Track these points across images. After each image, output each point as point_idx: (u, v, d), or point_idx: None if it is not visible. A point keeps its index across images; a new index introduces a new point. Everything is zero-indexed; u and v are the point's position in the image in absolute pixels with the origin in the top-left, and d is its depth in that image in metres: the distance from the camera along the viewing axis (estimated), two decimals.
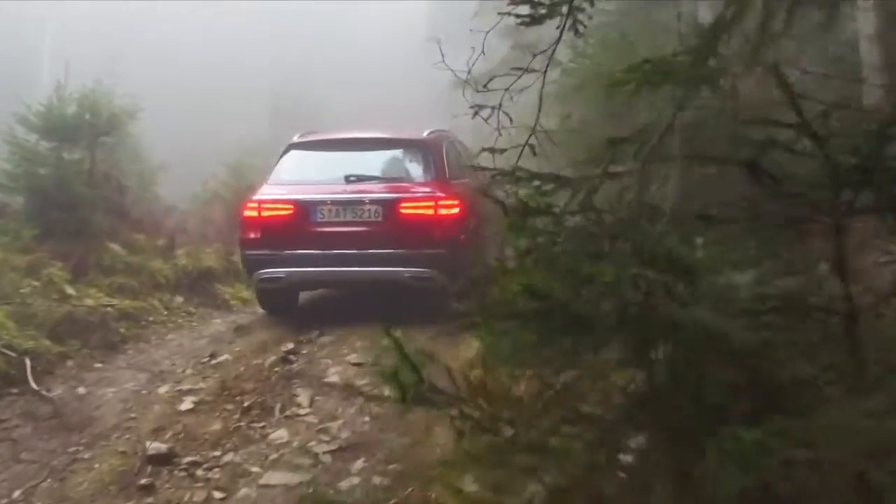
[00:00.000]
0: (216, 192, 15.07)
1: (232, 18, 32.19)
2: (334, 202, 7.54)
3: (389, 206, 7.48)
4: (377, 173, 7.93)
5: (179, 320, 8.48)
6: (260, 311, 8.51)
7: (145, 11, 30.09)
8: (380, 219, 7.46)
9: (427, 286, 7.34)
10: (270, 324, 8.05)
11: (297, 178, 7.91)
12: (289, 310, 8.20)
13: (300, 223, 7.57)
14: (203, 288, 9.31)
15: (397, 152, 8.26)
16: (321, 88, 30.40)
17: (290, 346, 7.09)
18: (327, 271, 7.56)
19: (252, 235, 7.72)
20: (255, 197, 7.86)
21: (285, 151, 8.30)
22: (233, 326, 8.01)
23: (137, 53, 28.05)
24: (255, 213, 7.73)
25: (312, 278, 7.74)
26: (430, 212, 7.48)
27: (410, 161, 8.14)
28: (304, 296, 8.51)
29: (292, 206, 7.63)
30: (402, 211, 7.48)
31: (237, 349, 7.13)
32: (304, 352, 7.02)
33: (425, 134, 8.29)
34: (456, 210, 7.52)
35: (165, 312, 8.50)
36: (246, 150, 20.69)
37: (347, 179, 7.70)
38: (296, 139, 8.45)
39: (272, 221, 7.66)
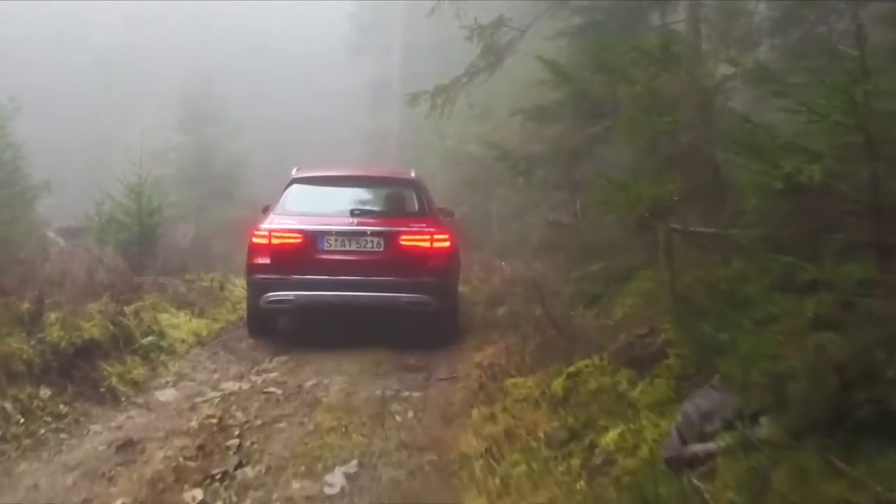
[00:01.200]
0: (113, 215, 12.57)
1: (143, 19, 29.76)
2: (340, 233, 8.33)
3: (390, 239, 8.36)
4: (377, 208, 8.86)
5: (42, 431, 5.82)
6: (159, 398, 6.82)
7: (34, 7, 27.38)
8: (381, 249, 8.33)
9: (422, 310, 8.28)
10: (173, 430, 5.83)
11: (303, 210, 8.63)
12: (270, 334, 8.89)
13: (308, 251, 8.31)
14: (81, 371, 6.77)
15: (392, 189, 9.21)
16: (236, 91, 28.16)
17: (199, 495, 4.76)
18: (332, 295, 8.23)
19: (261, 261, 8.39)
20: (265, 226, 8.52)
21: (289, 185, 9.02)
22: (117, 442, 5.69)
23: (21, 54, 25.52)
24: (265, 241, 8.41)
25: (318, 301, 8.30)
26: (427, 244, 8.43)
27: (404, 198, 9.08)
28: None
29: (301, 236, 8.37)
30: (402, 243, 8.38)
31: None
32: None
33: (412, 174, 9.53)
34: (447, 243, 8.57)
35: (21, 420, 5.96)
36: (156, 157, 18.27)
37: (352, 213, 8.58)
38: (296, 174, 9.22)
39: (282, 249, 8.36)
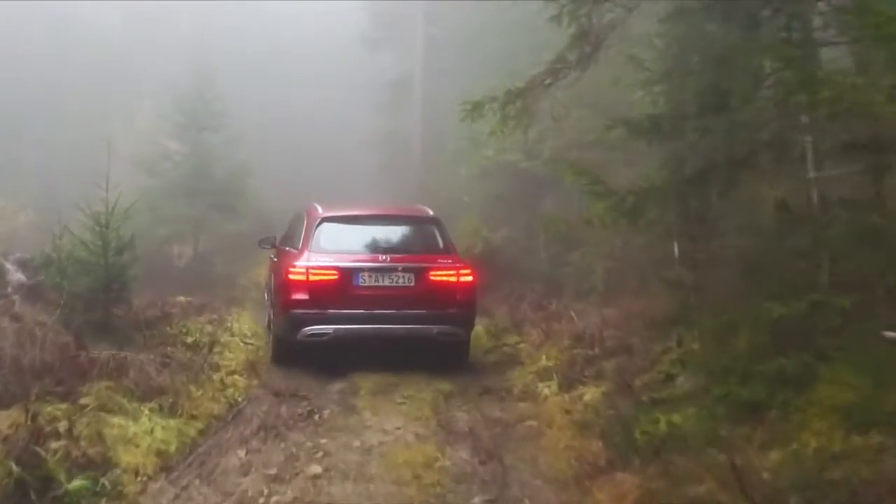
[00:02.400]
0: (73, 253, 9.79)
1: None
2: (374, 269, 8.87)
3: (420, 274, 8.93)
4: (405, 245, 9.42)
5: None
6: None
7: None
8: (412, 284, 8.89)
9: (451, 341, 8.99)
10: None
11: (337, 248, 9.09)
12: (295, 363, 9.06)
13: (344, 287, 8.78)
14: None
15: (416, 227, 9.73)
16: (241, 92, 25.71)
17: None
18: (368, 328, 8.76)
19: (299, 296, 8.78)
20: (301, 263, 8.94)
21: (319, 223, 9.29)
22: None
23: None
24: (303, 277, 8.82)
25: (355, 334, 8.78)
26: (454, 279, 9.03)
27: (428, 235, 9.52)
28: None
29: (337, 272, 8.85)
30: (431, 278, 8.95)
31: None
32: None
33: (431, 213, 9.94)
34: (470, 278, 9.18)
35: None
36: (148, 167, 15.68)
37: (384, 250, 9.13)
38: (323, 212, 9.49)
39: (319, 285, 8.78)
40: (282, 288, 9.14)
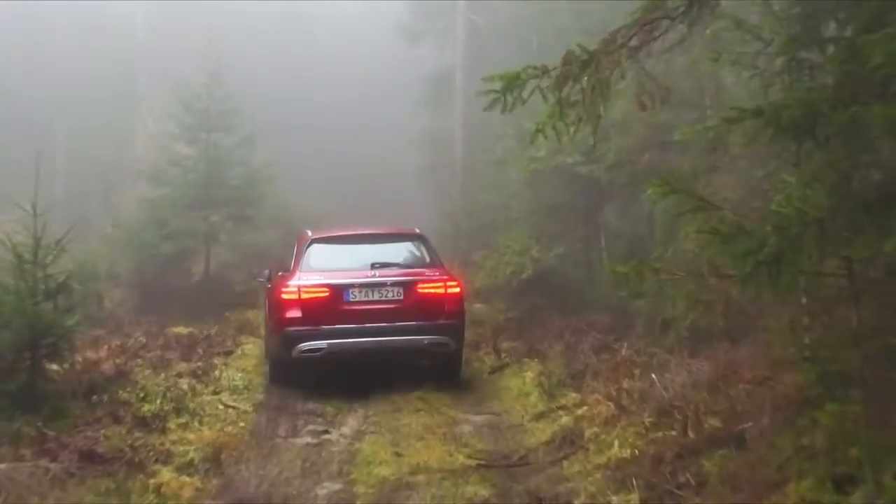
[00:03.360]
0: None
1: None
2: (363, 285, 9.23)
3: (409, 287, 9.26)
4: (393, 261, 9.67)
5: None
6: None
7: None
8: (401, 297, 9.22)
9: (442, 351, 9.24)
10: None
11: (326, 266, 9.49)
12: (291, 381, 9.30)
13: (335, 303, 9.13)
14: None
15: (402, 244, 10.16)
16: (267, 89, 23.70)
17: None
18: (360, 342, 9.03)
19: (292, 315, 9.11)
20: (293, 282, 9.29)
21: (309, 244, 9.77)
22: None
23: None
24: (295, 296, 9.16)
25: (348, 349, 9.07)
26: (441, 291, 9.34)
27: (414, 251, 9.98)
28: None
29: (328, 290, 9.20)
30: (419, 290, 9.28)
31: None
32: None
33: (418, 230, 10.39)
34: (458, 289, 9.50)
35: None
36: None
37: (373, 266, 9.40)
38: (312, 234, 10.09)
39: (311, 302, 9.13)
40: (276, 308, 9.52)
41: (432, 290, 9.30)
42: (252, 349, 13.37)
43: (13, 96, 23.32)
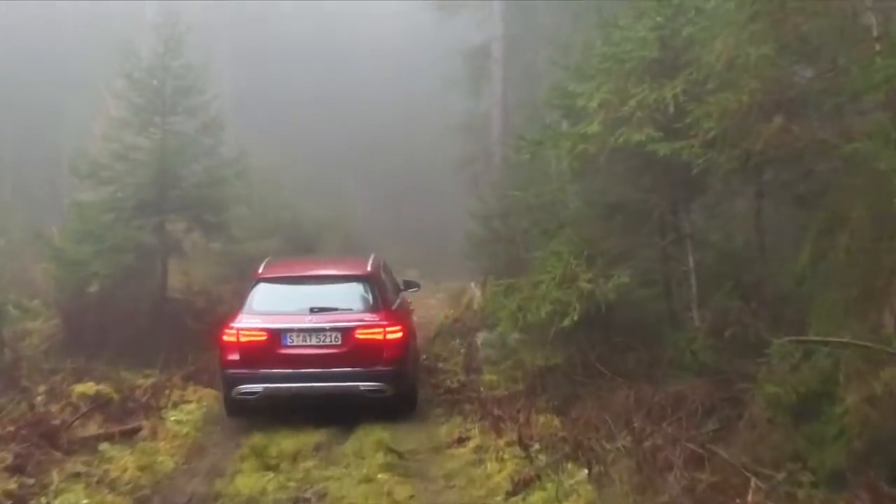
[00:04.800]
0: None
1: None
2: (301, 330, 9.25)
3: (347, 333, 9.22)
4: (335, 304, 9.54)
5: None
6: None
7: None
8: (339, 342, 9.22)
9: (379, 397, 9.19)
10: None
11: (268, 309, 9.47)
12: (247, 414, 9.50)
13: (272, 347, 9.22)
14: None
15: (348, 285, 9.93)
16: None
17: None
18: (296, 387, 9.12)
19: (232, 357, 9.26)
20: (234, 325, 9.39)
21: (255, 284, 9.85)
22: None
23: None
24: (234, 339, 9.27)
25: (284, 393, 9.19)
26: (380, 337, 9.27)
27: (360, 293, 9.74)
28: None
29: (266, 334, 9.27)
30: (357, 336, 9.23)
31: None
32: None
33: (369, 268, 10.15)
34: (399, 334, 9.39)
35: None
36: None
37: (311, 311, 9.36)
38: (260, 272, 10.10)
39: (249, 346, 9.24)
40: (219, 348, 9.52)
41: (371, 336, 9.27)
42: (192, 415, 9.61)
43: None
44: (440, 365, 12.66)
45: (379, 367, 9.09)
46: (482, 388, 11.04)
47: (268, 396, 9.17)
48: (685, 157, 6.90)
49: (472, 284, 16.05)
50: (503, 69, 20.24)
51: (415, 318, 11.92)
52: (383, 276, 10.39)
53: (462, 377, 11.74)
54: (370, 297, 9.64)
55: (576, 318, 7.28)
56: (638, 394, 7.04)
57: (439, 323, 15.23)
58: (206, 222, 13.33)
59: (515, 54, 20.55)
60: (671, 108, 7.67)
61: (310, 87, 28.41)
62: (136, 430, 8.40)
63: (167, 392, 10.69)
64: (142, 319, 12.67)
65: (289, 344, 9.20)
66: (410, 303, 12.27)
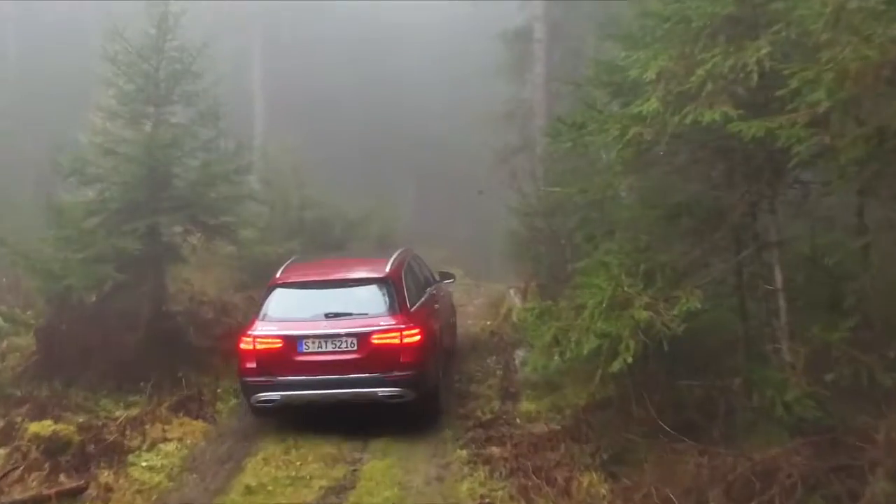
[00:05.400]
0: None
1: None
2: (317, 336, 9.03)
3: (362, 338, 8.96)
4: (351, 309, 9.29)
5: None
6: None
7: None
8: (355, 348, 8.95)
9: (398, 402, 8.89)
10: None
11: (283, 315, 9.36)
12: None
13: (289, 354, 9.02)
14: None
15: (366, 289, 9.56)
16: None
17: None
18: (314, 394, 8.95)
19: (249, 365, 9.12)
20: (251, 332, 9.25)
21: (271, 289, 9.71)
22: None
23: None
24: (251, 346, 9.13)
25: (302, 400, 9.04)
26: (397, 341, 8.95)
27: (377, 296, 9.41)
28: None
29: (281, 341, 9.08)
30: (374, 341, 8.95)
31: None
32: None
33: (387, 269, 9.74)
34: (417, 338, 9.03)
35: None
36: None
37: (327, 316, 9.17)
38: (276, 278, 9.94)
39: (265, 353, 9.09)
40: (237, 355, 9.34)
41: (387, 341, 9.00)
42: (169, 459, 8.11)
43: None
44: (472, 388, 10.97)
45: (396, 373, 8.84)
46: (518, 420, 9.41)
47: (286, 405, 9.10)
48: (783, 139, 5.01)
49: (512, 292, 14.26)
50: (546, 51, 18.37)
51: (445, 305, 11.75)
52: (406, 274, 10.02)
53: (496, 404, 10.12)
54: (387, 300, 9.36)
55: (629, 359, 5.46)
56: (713, 461, 5.21)
57: (475, 335, 13.50)
58: (206, 224, 11.74)
59: (560, 38, 18.76)
60: (754, 78, 5.80)
61: (346, 78, 27.05)
62: (81, 490, 6.78)
63: (146, 427, 9.16)
64: (131, 337, 11.09)
65: (304, 351, 9.03)
66: (446, 294, 12.25)
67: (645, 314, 5.57)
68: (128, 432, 8.94)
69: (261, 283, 15.84)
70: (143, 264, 11.41)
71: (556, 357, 5.96)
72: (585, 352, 5.67)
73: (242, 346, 9.18)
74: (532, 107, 18.72)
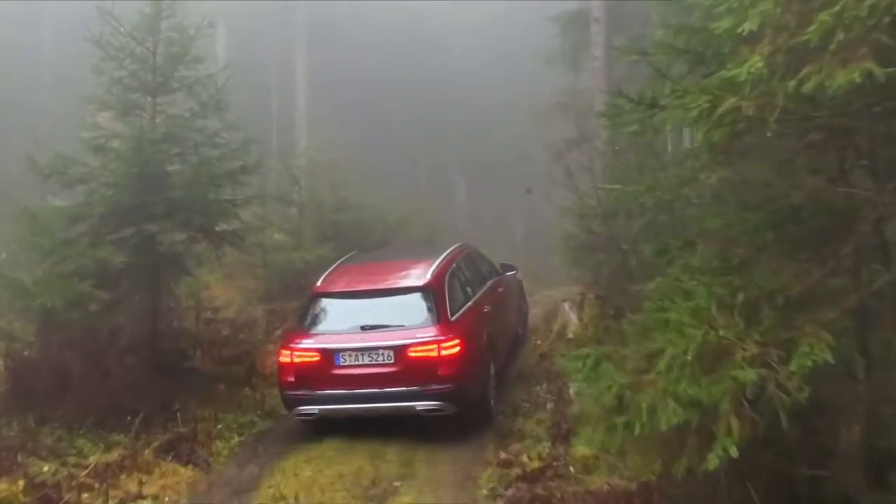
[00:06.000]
0: None
1: None
2: (354, 349, 8.83)
3: (399, 351, 8.73)
4: (388, 321, 9.04)
5: None
6: None
7: None
8: (392, 361, 8.73)
9: (439, 416, 8.66)
10: None
11: (321, 328, 9.22)
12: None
13: (326, 367, 8.84)
14: None
15: (405, 298, 9.30)
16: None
17: None
18: (353, 408, 8.84)
19: (288, 378, 8.99)
20: (290, 344, 9.15)
21: (311, 299, 9.53)
22: None
23: None
24: (289, 360, 8.99)
25: (340, 414, 8.92)
26: (434, 354, 8.70)
27: (416, 306, 9.12)
28: None
29: (318, 354, 8.91)
30: (411, 354, 8.71)
31: None
32: None
33: (428, 276, 9.40)
34: (457, 349, 8.73)
35: None
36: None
37: (363, 328, 8.95)
38: (316, 288, 9.67)
39: (303, 366, 8.92)
40: (277, 368, 9.31)
41: (424, 354, 8.70)
42: None
43: None
44: (518, 424, 9.24)
45: (435, 386, 8.61)
46: (572, 469, 7.74)
47: (325, 418, 8.98)
48: None
49: (566, 305, 12.39)
50: (605, 33, 16.40)
51: (508, 297, 11.59)
52: (451, 277, 9.72)
53: (546, 447, 8.42)
54: (426, 310, 9.09)
55: (734, 451, 3.61)
56: None
57: (522, 357, 11.69)
58: (209, 231, 10.17)
59: (621, 18, 16.82)
60: None
61: (393, 74, 25.58)
62: None
63: (121, 478, 7.59)
64: (120, 362, 9.55)
65: (342, 364, 8.84)
66: (513, 283, 12.15)
67: (752, 373, 3.72)
68: (97, 486, 7.39)
69: (287, 294, 14.40)
70: (137, 277, 9.88)
71: (619, 430, 4.10)
72: (664, 426, 3.84)
73: (281, 359, 9.10)
74: (591, 95, 16.78)
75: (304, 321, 9.37)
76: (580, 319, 11.61)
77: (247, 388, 10.58)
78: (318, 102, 24.62)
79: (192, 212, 9.49)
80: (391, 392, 8.64)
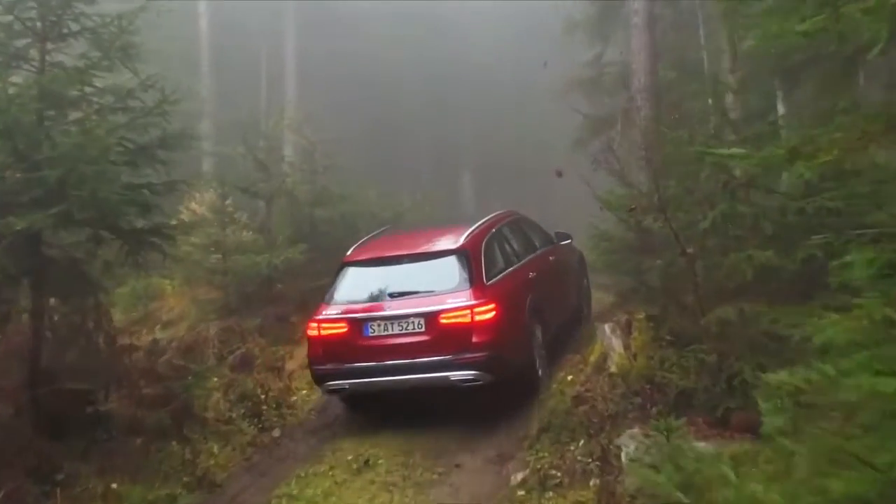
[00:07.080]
0: None
1: None
2: (382, 318, 8.39)
3: (430, 318, 8.24)
4: (418, 287, 8.59)
5: None
6: None
7: None
8: (423, 329, 8.26)
9: (474, 385, 8.19)
10: None
11: (348, 297, 8.72)
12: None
13: (354, 339, 8.41)
14: None
15: (436, 262, 8.83)
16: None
17: None
18: (383, 381, 8.36)
19: (316, 352, 8.63)
20: (317, 317, 8.70)
21: (340, 269, 9.08)
22: None
23: None
24: (316, 332, 8.61)
25: (370, 388, 8.49)
26: (467, 320, 8.19)
27: (448, 271, 8.64)
28: None
29: (346, 324, 8.48)
30: (442, 321, 8.22)
31: None
32: None
33: (462, 240, 8.88)
34: (492, 314, 8.24)
35: None
36: None
37: (391, 296, 8.52)
38: (346, 256, 9.26)
39: (331, 339, 8.52)
40: (307, 343, 9.00)
41: (457, 320, 8.19)
42: None
43: None
44: None
45: (469, 354, 8.09)
46: None
47: (356, 393, 8.65)
48: None
49: (607, 328, 9.39)
50: (647, 7, 13.46)
51: (561, 267, 10.93)
52: (491, 241, 9.17)
53: None
54: (459, 275, 8.58)
55: None
56: None
57: (546, 399, 8.72)
58: (118, 229, 7.33)
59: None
60: None
61: (396, 58, 23.30)
62: None
63: None
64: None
65: (370, 334, 8.37)
66: (570, 253, 11.52)
67: None
68: None
69: (250, 308, 11.68)
70: (9, 292, 7.03)
71: None
72: None
73: (309, 332, 8.77)
74: (627, 67, 13.86)
75: (332, 292, 8.87)
76: (626, 347, 8.65)
77: (174, 442, 7.77)
78: (316, 92, 22.09)
79: (80, 200, 6.61)
80: (423, 362, 8.23)
